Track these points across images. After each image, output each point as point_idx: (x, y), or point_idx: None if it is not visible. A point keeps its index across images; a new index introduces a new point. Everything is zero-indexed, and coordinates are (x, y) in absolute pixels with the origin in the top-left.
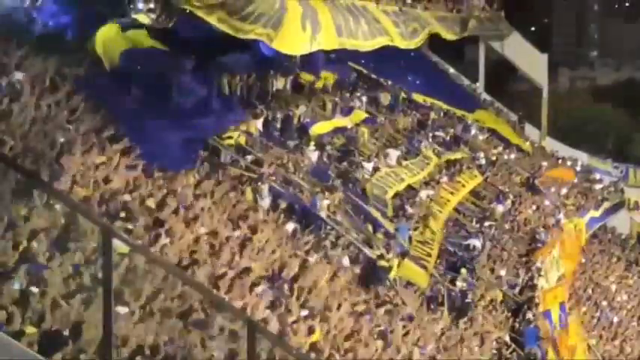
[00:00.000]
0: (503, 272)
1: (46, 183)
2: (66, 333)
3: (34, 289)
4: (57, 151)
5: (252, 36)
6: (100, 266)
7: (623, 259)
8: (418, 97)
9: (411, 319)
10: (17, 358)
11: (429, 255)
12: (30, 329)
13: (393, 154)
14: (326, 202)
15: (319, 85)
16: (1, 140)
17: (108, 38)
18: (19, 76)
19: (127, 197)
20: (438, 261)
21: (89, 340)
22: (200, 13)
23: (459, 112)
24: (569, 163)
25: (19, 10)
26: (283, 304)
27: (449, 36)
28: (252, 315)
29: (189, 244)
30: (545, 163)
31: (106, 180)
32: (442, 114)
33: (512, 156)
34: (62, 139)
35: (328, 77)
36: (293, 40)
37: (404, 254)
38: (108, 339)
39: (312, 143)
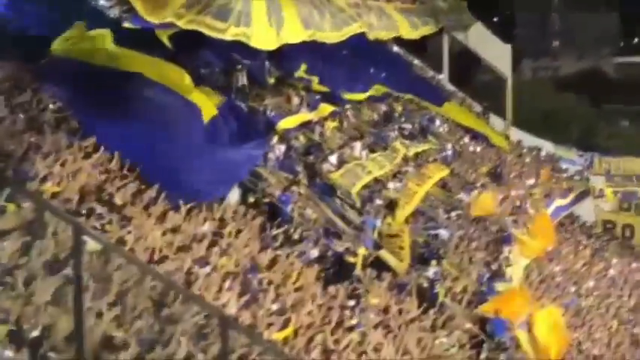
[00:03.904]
0: (471, 262)
1: (13, 181)
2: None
3: None
4: (23, 150)
5: (228, 37)
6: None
7: (589, 247)
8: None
9: (380, 311)
10: None
11: (402, 248)
12: None
13: (359, 147)
14: (293, 197)
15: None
16: None
17: (71, 38)
18: None
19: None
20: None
21: (60, 337)
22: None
23: (426, 104)
24: (534, 152)
25: None
26: (255, 299)
27: (412, 34)
28: (224, 311)
29: (158, 240)
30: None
31: (74, 178)
32: (407, 106)
33: (478, 148)
34: (31, 139)
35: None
36: (263, 36)
37: (377, 247)
38: (80, 335)
39: (277, 137)
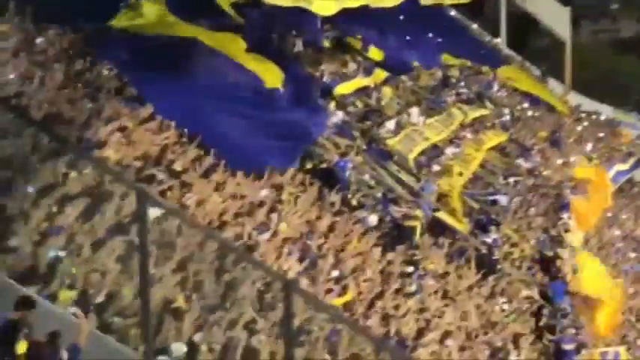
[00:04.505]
0: (530, 228)
1: (78, 148)
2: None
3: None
4: (85, 116)
5: (289, 3)
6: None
7: None
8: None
9: (438, 277)
10: None
11: (455, 209)
12: (65, 294)
13: (417, 112)
14: (351, 162)
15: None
16: (27, 105)
17: (128, 13)
18: (42, 43)
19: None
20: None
21: (125, 303)
22: None
23: (483, 69)
24: (593, 117)
25: None
26: (314, 264)
27: None
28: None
29: (219, 206)
30: (568, 120)
31: (134, 145)
32: (465, 71)
33: (537, 113)
34: (90, 105)
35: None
36: (323, 1)
37: (436, 210)
38: (145, 300)
39: (334, 103)
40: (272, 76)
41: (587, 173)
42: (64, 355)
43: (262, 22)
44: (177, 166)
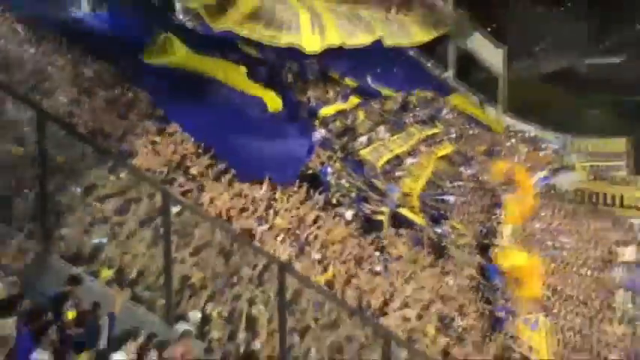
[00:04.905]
0: (471, 221)
1: (118, 156)
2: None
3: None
4: (121, 132)
5: (282, 43)
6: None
7: (564, 210)
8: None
9: (400, 259)
10: None
11: (413, 206)
12: (105, 272)
13: (383, 130)
14: (331, 169)
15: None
16: (76, 123)
17: (157, 48)
18: (89, 72)
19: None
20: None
21: (152, 279)
22: (235, 29)
23: (435, 97)
24: (521, 134)
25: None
26: (302, 250)
27: (426, 37)
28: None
29: (227, 203)
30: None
31: (160, 154)
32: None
33: (477, 131)
34: (124, 123)
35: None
36: (310, 41)
37: (399, 206)
38: (169, 280)
39: (318, 122)
40: (274, 101)
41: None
42: (105, 320)
43: (263, 57)
44: (194, 171)
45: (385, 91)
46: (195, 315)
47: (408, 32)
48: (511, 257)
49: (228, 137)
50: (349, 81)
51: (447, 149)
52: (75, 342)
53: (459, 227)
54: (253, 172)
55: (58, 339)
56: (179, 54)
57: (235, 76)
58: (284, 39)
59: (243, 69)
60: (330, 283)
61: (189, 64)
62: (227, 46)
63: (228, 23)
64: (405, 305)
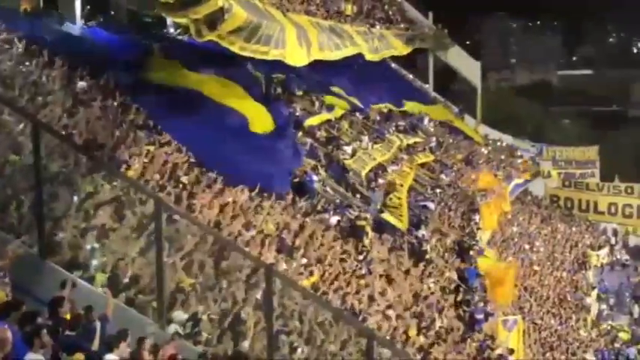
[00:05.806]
0: (450, 226)
1: (110, 166)
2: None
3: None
4: (114, 143)
5: (270, 57)
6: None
7: (539, 215)
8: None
9: (382, 263)
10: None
11: (402, 215)
12: (99, 276)
13: (366, 139)
14: (317, 177)
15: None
16: (72, 133)
17: (152, 65)
18: (83, 84)
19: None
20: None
21: (145, 283)
22: (224, 44)
23: (417, 107)
24: (498, 143)
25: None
26: (289, 254)
27: (406, 50)
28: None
29: (216, 210)
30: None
31: (153, 164)
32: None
33: (456, 140)
34: (117, 134)
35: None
36: (296, 55)
37: (380, 211)
38: (160, 282)
39: (304, 132)
40: (265, 120)
41: (490, 182)
42: (97, 323)
43: (252, 71)
44: (185, 180)
45: (368, 102)
46: (179, 315)
47: (389, 45)
48: (489, 261)
49: (217, 148)
50: (334, 92)
51: (427, 157)
52: (68, 344)
53: (438, 232)
54: (243, 182)
55: (51, 341)
56: (173, 71)
57: (227, 92)
58: (272, 53)
59: (238, 89)
60: (315, 286)
61: (183, 81)
62: (220, 61)
63: (218, 38)
64: (388, 307)
